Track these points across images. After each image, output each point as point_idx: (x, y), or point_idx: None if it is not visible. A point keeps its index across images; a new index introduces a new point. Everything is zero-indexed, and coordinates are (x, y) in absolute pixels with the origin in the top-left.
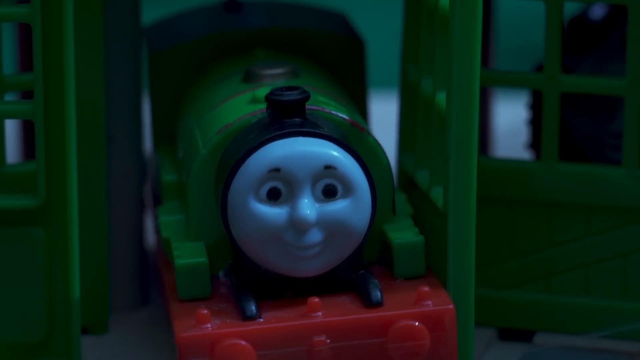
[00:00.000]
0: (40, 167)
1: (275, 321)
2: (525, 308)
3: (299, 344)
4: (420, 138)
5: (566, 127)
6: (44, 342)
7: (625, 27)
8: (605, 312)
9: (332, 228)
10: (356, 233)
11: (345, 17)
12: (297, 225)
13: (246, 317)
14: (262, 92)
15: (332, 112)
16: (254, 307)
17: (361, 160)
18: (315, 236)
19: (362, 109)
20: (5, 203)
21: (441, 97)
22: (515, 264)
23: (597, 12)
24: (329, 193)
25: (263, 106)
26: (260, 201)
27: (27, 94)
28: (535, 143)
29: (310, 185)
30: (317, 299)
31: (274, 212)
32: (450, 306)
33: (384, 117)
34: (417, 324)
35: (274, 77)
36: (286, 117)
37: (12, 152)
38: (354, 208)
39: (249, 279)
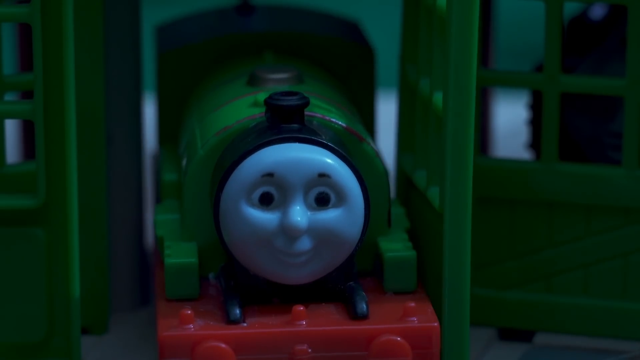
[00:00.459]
0: (40, 167)
1: (258, 327)
2: (525, 308)
3: (280, 351)
4: (419, 138)
5: (566, 127)
6: (44, 342)
7: (625, 27)
8: (605, 312)
9: (322, 237)
10: (347, 243)
11: (358, 24)
12: (287, 232)
13: (230, 321)
14: (264, 96)
15: (332, 119)
16: (238, 311)
17: (356, 170)
18: (305, 244)
19: (368, 118)
20: (5, 203)
21: (438, 97)
22: (515, 264)
23: (597, 12)
24: (322, 201)
25: (263, 110)
26: (253, 205)
27: (27, 94)
28: (535, 143)
29: (303, 192)
30: (302, 307)
31: (265, 217)
32: (435, 324)
33: (384, 117)
34: (399, 339)
35: (278, 81)
36: (284, 122)
37: (12, 152)
38: (346, 218)
39: (238, 283)
